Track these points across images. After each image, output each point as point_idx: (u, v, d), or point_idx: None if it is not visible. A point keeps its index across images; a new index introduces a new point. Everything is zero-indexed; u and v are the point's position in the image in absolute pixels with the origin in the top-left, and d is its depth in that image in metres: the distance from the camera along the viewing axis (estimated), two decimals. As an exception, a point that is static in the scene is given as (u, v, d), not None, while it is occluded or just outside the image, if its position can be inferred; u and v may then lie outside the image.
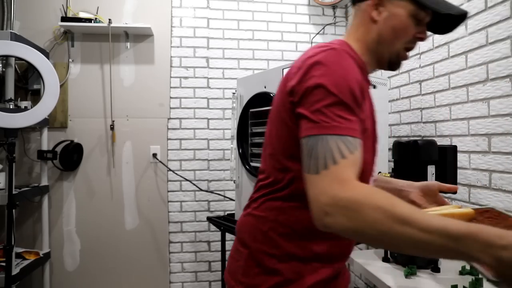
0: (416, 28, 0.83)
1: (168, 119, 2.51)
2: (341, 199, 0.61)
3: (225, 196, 2.52)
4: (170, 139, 2.50)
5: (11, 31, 2.01)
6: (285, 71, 1.44)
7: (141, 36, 2.49)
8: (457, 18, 0.85)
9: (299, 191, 0.72)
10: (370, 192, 0.62)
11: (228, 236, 2.07)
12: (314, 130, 0.68)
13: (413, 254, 0.66)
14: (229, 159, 2.01)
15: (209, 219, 1.83)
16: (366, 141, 0.75)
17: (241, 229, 0.89)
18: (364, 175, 0.77)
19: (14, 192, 1.87)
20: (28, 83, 2.30)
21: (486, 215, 0.91)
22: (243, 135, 1.67)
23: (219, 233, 1.84)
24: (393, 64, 0.88)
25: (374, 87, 0.95)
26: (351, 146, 0.66)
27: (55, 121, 2.40)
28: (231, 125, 1.72)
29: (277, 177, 0.82)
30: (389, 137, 1.99)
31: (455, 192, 1.33)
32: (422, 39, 0.86)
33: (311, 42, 2.51)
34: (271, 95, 1.50)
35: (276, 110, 0.82)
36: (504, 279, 0.56)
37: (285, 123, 0.77)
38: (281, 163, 0.80)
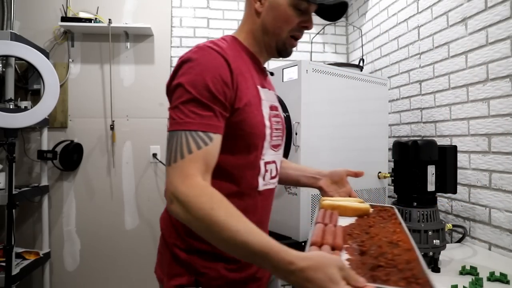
0: (300, 17, 0.89)
1: (168, 119, 2.50)
2: (180, 192, 0.69)
3: (225, 196, 2.52)
4: (170, 139, 2.50)
5: (11, 31, 2.01)
6: (285, 71, 1.44)
7: (141, 36, 2.49)
8: (340, 6, 0.94)
9: None
10: (200, 192, 0.69)
11: (228, 236, 2.07)
12: (172, 126, 0.77)
13: (231, 254, 0.70)
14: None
15: (209, 219, 1.83)
16: (254, 119, 0.85)
17: (161, 224, 0.95)
18: (255, 138, 0.86)
19: (14, 192, 1.87)
20: (28, 83, 2.30)
21: (381, 213, 0.98)
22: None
23: (219, 233, 1.84)
24: (281, 51, 0.94)
25: (272, 74, 1.07)
26: (200, 141, 0.74)
27: (55, 121, 2.40)
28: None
29: None
30: (389, 137, 1.99)
31: (454, 192, 1.33)
32: (307, 27, 0.93)
33: (311, 42, 2.51)
34: (271, 95, 1.50)
35: None
36: None
37: None
38: None
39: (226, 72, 0.80)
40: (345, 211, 0.96)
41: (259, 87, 0.91)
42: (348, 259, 0.68)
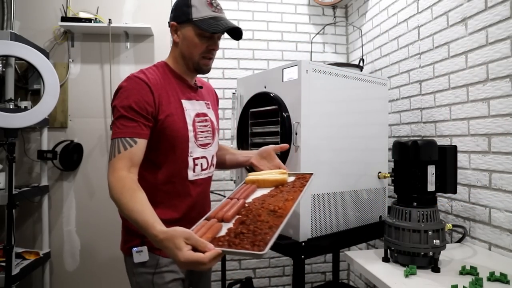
0: (207, 43, 1.18)
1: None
2: (109, 181, 1.03)
3: (225, 196, 2.52)
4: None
5: (11, 31, 2.01)
6: (285, 71, 1.44)
7: (141, 36, 2.49)
8: (237, 29, 1.20)
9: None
10: (118, 182, 1.02)
11: (228, 236, 2.07)
12: (112, 136, 1.10)
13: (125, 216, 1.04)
14: (312, 173, 2.00)
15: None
16: (176, 125, 1.16)
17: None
18: (178, 140, 1.16)
19: (14, 192, 1.87)
20: (28, 83, 2.30)
21: (296, 182, 1.16)
22: (243, 135, 1.66)
23: (219, 233, 1.84)
24: (198, 70, 1.23)
25: (201, 87, 1.32)
26: (127, 144, 1.06)
27: (55, 121, 2.40)
28: (231, 125, 1.72)
29: None
30: (389, 137, 1.99)
31: (454, 192, 1.33)
32: (214, 49, 1.21)
33: (311, 42, 2.51)
34: (271, 95, 1.49)
35: None
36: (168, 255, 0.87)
37: None
38: None
39: (148, 94, 1.11)
40: (263, 183, 1.17)
41: (183, 100, 1.21)
42: (228, 228, 0.88)
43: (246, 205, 1.02)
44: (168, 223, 0.97)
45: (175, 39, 1.20)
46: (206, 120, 1.26)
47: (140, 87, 1.11)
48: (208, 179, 1.30)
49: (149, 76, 1.15)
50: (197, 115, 1.23)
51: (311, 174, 1.19)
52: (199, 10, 1.16)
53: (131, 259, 1.16)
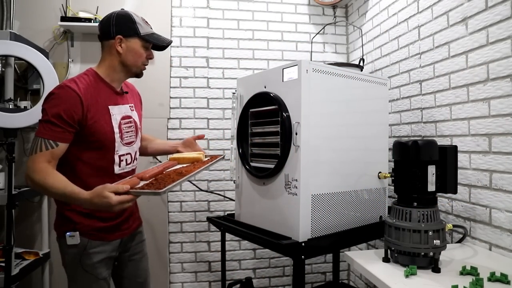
0: (146, 52, 1.46)
1: (168, 119, 2.50)
2: (30, 172, 1.23)
3: (225, 196, 2.52)
4: (170, 139, 2.50)
5: (11, 31, 2.00)
6: (285, 71, 1.44)
7: (141, 36, 2.49)
8: (168, 44, 1.53)
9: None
10: (40, 171, 1.22)
11: (228, 236, 2.07)
12: (36, 133, 1.27)
13: (55, 197, 1.32)
14: (229, 159, 2.00)
15: (209, 219, 1.83)
16: (103, 129, 1.36)
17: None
18: (106, 141, 1.37)
19: (13, 192, 1.86)
20: (27, 83, 2.29)
21: (207, 160, 1.58)
22: (243, 135, 1.66)
23: (219, 233, 1.84)
24: (139, 74, 1.50)
25: (127, 92, 1.55)
26: (49, 145, 1.25)
27: (55, 121, 2.39)
28: (231, 125, 1.72)
29: None
30: (389, 137, 1.99)
31: (454, 192, 1.33)
32: (151, 58, 1.51)
33: (311, 42, 2.50)
34: (271, 95, 1.49)
35: None
36: (104, 211, 1.25)
37: None
38: None
39: (77, 104, 1.29)
40: (183, 160, 1.55)
41: (110, 106, 1.41)
42: (144, 184, 1.23)
43: (164, 172, 1.36)
44: (97, 218, 1.36)
45: (119, 50, 1.39)
46: (130, 122, 1.49)
47: (70, 97, 1.28)
48: (132, 172, 1.53)
49: (80, 85, 1.32)
50: (123, 118, 1.45)
51: (221, 155, 1.66)
52: (143, 27, 1.44)
53: (64, 240, 1.36)
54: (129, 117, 1.49)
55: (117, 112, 1.43)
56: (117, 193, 1.12)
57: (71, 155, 1.34)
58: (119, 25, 1.41)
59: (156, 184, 1.19)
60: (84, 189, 1.21)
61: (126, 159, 1.46)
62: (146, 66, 1.50)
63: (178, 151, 1.69)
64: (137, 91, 1.70)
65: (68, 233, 1.34)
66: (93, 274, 1.38)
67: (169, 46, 2.48)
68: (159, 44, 1.48)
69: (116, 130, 1.40)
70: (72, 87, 1.29)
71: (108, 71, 1.43)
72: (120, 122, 1.43)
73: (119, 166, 1.43)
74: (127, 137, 1.46)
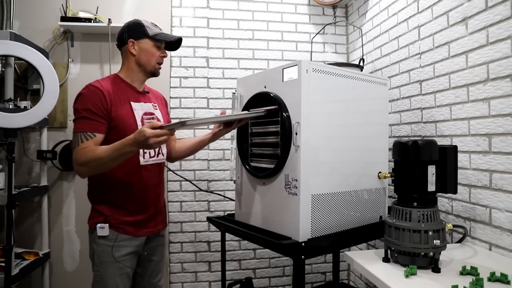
0: (159, 51, 1.61)
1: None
2: (79, 160, 1.39)
3: (225, 196, 2.52)
4: (170, 139, 2.50)
5: (11, 31, 2.00)
6: (285, 71, 1.44)
7: (141, 36, 2.49)
8: (178, 41, 1.67)
9: None
10: (87, 152, 1.38)
11: (228, 236, 2.06)
12: (74, 130, 1.45)
13: (111, 164, 1.40)
14: (229, 159, 2.00)
15: (209, 219, 1.83)
16: (126, 121, 1.50)
17: (88, 194, 1.65)
18: (129, 132, 1.36)
19: (13, 192, 1.86)
20: (27, 83, 2.30)
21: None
22: (243, 135, 1.66)
23: (219, 233, 1.84)
24: (154, 73, 1.63)
25: (148, 92, 1.69)
26: (87, 136, 1.41)
27: (55, 121, 2.39)
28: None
29: None
30: (389, 137, 1.99)
31: (454, 192, 1.33)
32: (165, 56, 1.64)
33: (311, 42, 2.50)
34: (271, 95, 1.49)
35: None
36: (145, 147, 1.36)
37: None
38: None
39: (102, 98, 1.46)
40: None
41: (132, 102, 1.56)
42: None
43: None
44: (126, 210, 1.50)
45: (133, 52, 1.56)
46: (153, 118, 1.61)
47: (95, 93, 1.46)
48: (157, 165, 1.64)
49: (103, 84, 1.51)
50: (145, 113, 1.59)
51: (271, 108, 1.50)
52: (151, 29, 1.58)
53: (95, 232, 1.49)
54: (152, 113, 1.62)
55: (139, 108, 1.57)
56: (152, 128, 1.27)
57: None
58: (130, 31, 1.57)
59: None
60: (111, 182, 1.49)
61: (149, 152, 1.58)
62: (160, 65, 1.63)
63: (214, 134, 1.70)
64: (161, 96, 1.82)
65: (98, 225, 1.48)
66: (121, 263, 1.49)
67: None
68: (167, 40, 1.60)
69: (139, 123, 1.53)
70: (96, 85, 1.49)
71: (127, 73, 1.59)
72: (142, 117, 1.57)
73: (143, 157, 1.55)
74: None
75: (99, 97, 1.45)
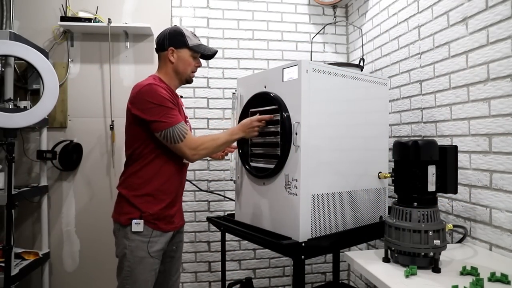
0: (194, 61, 1.66)
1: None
2: (191, 145, 1.51)
3: (225, 196, 2.52)
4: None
5: (11, 30, 2.00)
6: (285, 71, 1.44)
7: (140, 35, 2.49)
8: (214, 53, 1.72)
9: None
10: (202, 139, 1.55)
11: (228, 236, 2.06)
12: (167, 123, 1.46)
13: (221, 148, 1.59)
14: (229, 159, 2.00)
15: (209, 219, 1.83)
16: (182, 119, 1.55)
17: (121, 189, 1.61)
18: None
19: (13, 192, 1.86)
20: (27, 83, 2.29)
21: None
22: (243, 135, 1.66)
23: (219, 233, 1.84)
24: (189, 80, 1.69)
25: (181, 96, 1.78)
26: (185, 126, 1.51)
27: (55, 121, 2.39)
28: (231, 125, 1.72)
29: None
30: (390, 137, 1.99)
31: (454, 192, 1.33)
32: (199, 66, 1.70)
33: (311, 42, 2.50)
34: (271, 95, 1.49)
35: (127, 121, 1.57)
36: (248, 135, 1.58)
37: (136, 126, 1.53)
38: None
39: (172, 97, 1.52)
40: None
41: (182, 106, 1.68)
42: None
43: None
44: (163, 192, 1.54)
45: (172, 59, 1.60)
46: (187, 122, 1.65)
47: (165, 91, 1.51)
48: (186, 166, 1.71)
49: (163, 86, 1.55)
50: (185, 117, 1.66)
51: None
52: (191, 39, 1.62)
53: (129, 227, 1.49)
54: (187, 117, 1.71)
55: (183, 111, 1.67)
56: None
57: (155, 146, 1.52)
58: (171, 39, 1.60)
59: None
60: (155, 177, 1.52)
61: None
62: (194, 74, 1.70)
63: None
64: None
65: (134, 221, 1.48)
66: (154, 258, 1.51)
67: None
68: (205, 53, 1.67)
69: (187, 124, 1.62)
70: (160, 85, 1.53)
71: (166, 78, 1.62)
72: (186, 120, 1.65)
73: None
74: None
75: (169, 95, 1.50)
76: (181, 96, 1.73)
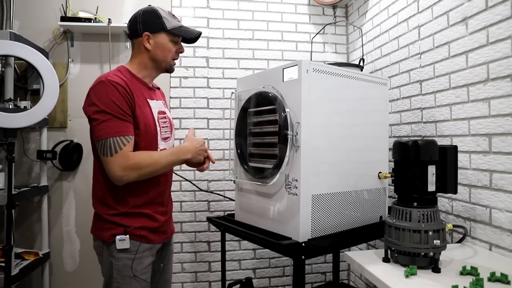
0: (175, 47, 1.43)
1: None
2: (128, 165, 1.26)
3: (225, 196, 2.52)
4: (170, 139, 2.50)
5: (11, 30, 2.00)
6: (285, 71, 1.44)
7: (140, 36, 2.49)
8: (197, 36, 1.48)
9: None
10: (141, 158, 1.28)
11: (228, 236, 2.06)
12: (104, 133, 1.27)
13: (162, 171, 1.36)
14: (229, 159, 2.00)
15: (209, 219, 1.83)
16: (148, 120, 1.35)
17: (94, 205, 1.46)
18: (151, 133, 1.36)
19: (13, 192, 1.86)
20: (27, 83, 2.30)
21: None
22: (242, 135, 1.66)
23: (219, 233, 1.84)
24: (169, 69, 1.47)
25: (158, 88, 1.57)
26: (125, 139, 1.26)
27: (55, 121, 2.39)
28: (231, 125, 1.72)
29: None
30: (390, 137, 1.99)
31: (454, 192, 1.33)
32: (182, 51, 1.47)
33: (311, 42, 2.50)
34: (271, 95, 1.49)
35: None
36: (195, 158, 1.41)
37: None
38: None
39: (127, 96, 1.29)
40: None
41: (148, 100, 1.40)
42: None
43: None
44: (147, 217, 1.35)
45: (147, 46, 1.39)
46: (165, 117, 1.46)
47: (120, 90, 1.28)
48: (171, 171, 1.56)
49: (122, 79, 1.32)
50: (159, 112, 1.43)
51: None
52: (169, 21, 1.40)
53: (113, 245, 1.30)
54: (164, 112, 1.47)
55: (154, 106, 1.42)
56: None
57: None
58: (146, 22, 1.38)
59: None
60: (131, 189, 1.31)
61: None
62: (175, 61, 1.48)
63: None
64: (162, 91, 1.65)
65: (118, 237, 1.29)
66: (143, 280, 1.32)
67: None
68: (187, 36, 1.43)
69: (156, 123, 1.39)
70: (116, 81, 1.29)
71: (139, 68, 1.41)
72: (157, 116, 1.41)
73: None
74: (163, 132, 1.43)
75: (124, 95, 1.27)
76: (158, 88, 1.55)
